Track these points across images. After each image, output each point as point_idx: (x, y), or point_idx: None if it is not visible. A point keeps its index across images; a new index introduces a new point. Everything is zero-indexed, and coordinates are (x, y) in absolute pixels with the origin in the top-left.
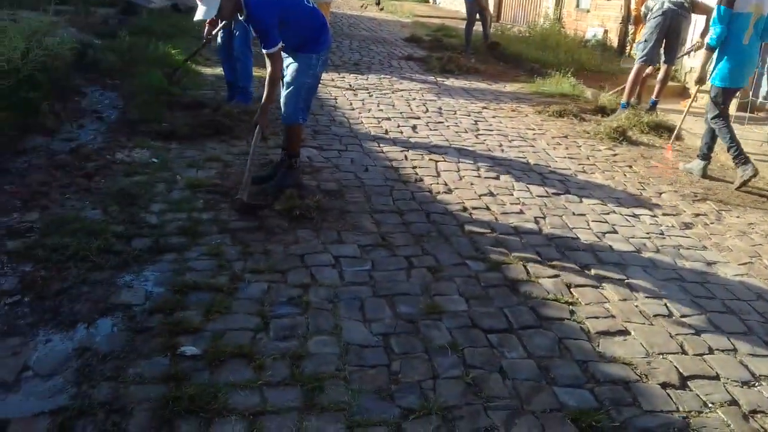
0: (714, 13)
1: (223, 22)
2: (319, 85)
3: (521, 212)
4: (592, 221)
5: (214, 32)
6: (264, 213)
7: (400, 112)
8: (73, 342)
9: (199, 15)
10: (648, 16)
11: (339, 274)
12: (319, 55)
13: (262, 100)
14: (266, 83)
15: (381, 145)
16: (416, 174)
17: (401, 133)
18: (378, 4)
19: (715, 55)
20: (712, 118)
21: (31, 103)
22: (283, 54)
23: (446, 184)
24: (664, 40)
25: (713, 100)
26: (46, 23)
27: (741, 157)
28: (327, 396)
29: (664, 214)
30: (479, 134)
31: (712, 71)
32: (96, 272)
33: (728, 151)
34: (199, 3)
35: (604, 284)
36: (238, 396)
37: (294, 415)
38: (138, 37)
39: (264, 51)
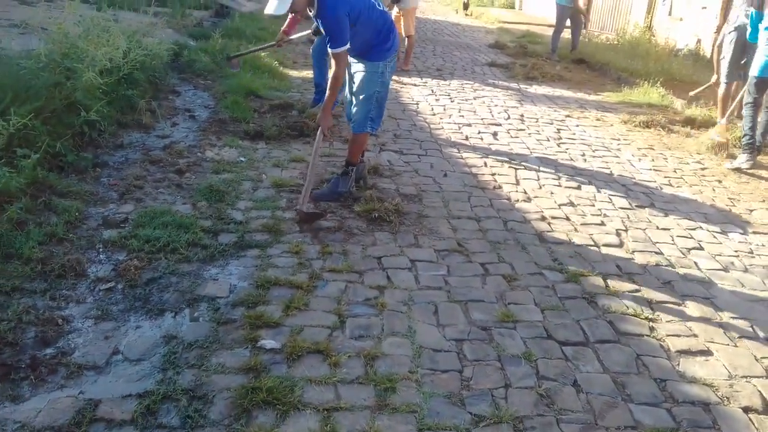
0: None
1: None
2: (402, 89)
3: (602, 224)
4: (677, 236)
5: (291, 38)
6: (343, 214)
7: (481, 119)
8: (161, 329)
9: (269, 9)
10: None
11: (415, 277)
12: (386, 63)
13: (324, 101)
14: (329, 84)
15: (461, 150)
16: (495, 181)
17: (481, 139)
18: (466, 8)
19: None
20: (746, 104)
21: (129, 101)
22: (352, 60)
23: (525, 192)
24: (743, 56)
25: (749, 89)
26: (145, 24)
27: (749, 147)
28: (399, 397)
29: (754, 232)
30: (561, 143)
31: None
32: (184, 264)
33: (742, 136)
34: None
35: (686, 302)
36: (314, 391)
37: (366, 413)
38: (230, 39)
39: (330, 50)
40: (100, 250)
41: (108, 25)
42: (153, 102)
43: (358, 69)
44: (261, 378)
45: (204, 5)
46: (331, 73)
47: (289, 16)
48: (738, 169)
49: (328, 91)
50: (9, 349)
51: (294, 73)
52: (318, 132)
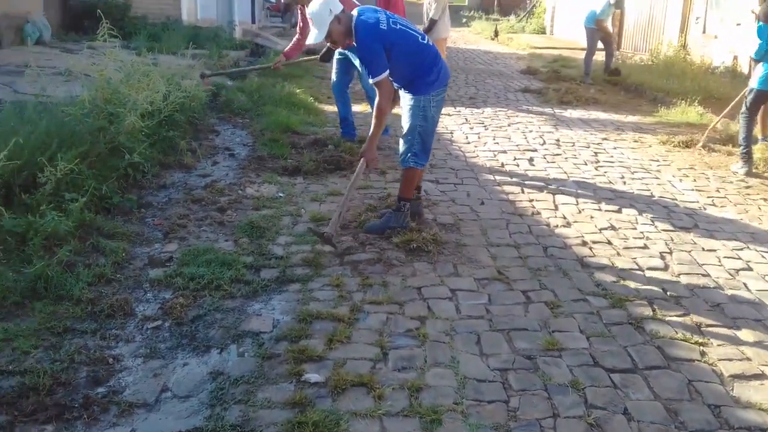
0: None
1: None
2: None
3: (645, 247)
4: (724, 257)
5: (291, 61)
6: (382, 246)
7: (517, 145)
8: (207, 366)
9: (310, 39)
10: None
11: (456, 307)
12: (428, 96)
13: (370, 133)
14: (373, 115)
15: (497, 178)
16: (533, 207)
17: (517, 165)
18: (496, 35)
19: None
20: (742, 113)
21: (171, 142)
22: (402, 92)
23: (564, 218)
24: None
25: (748, 100)
26: (184, 67)
27: (746, 156)
28: (445, 429)
29: None
30: (599, 166)
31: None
32: (228, 300)
33: (739, 146)
34: (311, 25)
35: (738, 324)
36: (359, 424)
37: None
38: (266, 78)
39: (370, 80)
40: (147, 289)
41: (148, 69)
42: (193, 142)
43: (404, 101)
44: (306, 412)
45: (240, 45)
46: (375, 103)
47: (294, 38)
48: (735, 173)
49: (373, 121)
50: (62, 389)
51: (329, 108)
52: (360, 163)
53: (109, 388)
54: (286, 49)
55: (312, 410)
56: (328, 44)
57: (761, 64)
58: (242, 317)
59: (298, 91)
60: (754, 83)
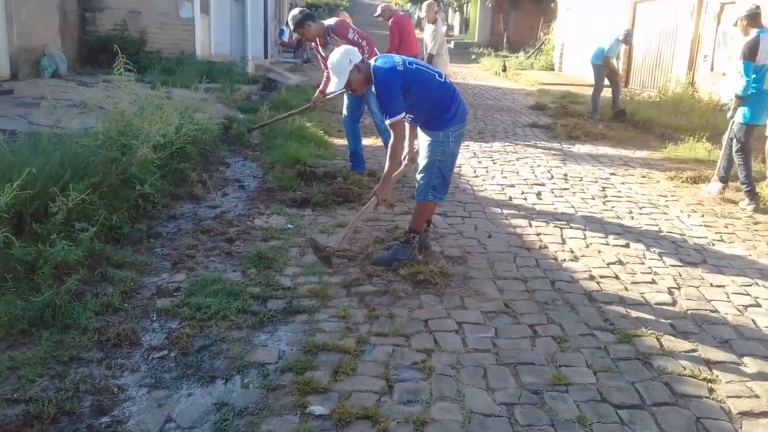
0: (741, 68)
1: (338, 91)
2: None
3: (653, 282)
4: (732, 293)
5: (320, 101)
6: (389, 278)
7: (524, 179)
8: (212, 396)
9: (331, 87)
10: None
11: (462, 340)
12: (446, 132)
13: (384, 172)
14: (387, 155)
15: (504, 211)
16: (541, 241)
17: (525, 199)
18: (504, 71)
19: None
20: (736, 152)
21: (182, 173)
22: (419, 129)
23: (572, 252)
24: None
25: (737, 137)
26: (196, 100)
27: (751, 193)
28: None
29: None
30: (607, 201)
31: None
32: (235, 331)
33: (742, 184)
34: (332, 75)
35: (746, 361)
36: None
37: None
38: (277, 111)
39: (387, 121)
40: (154, 318)
41: (161, 102)
42: (204, 174)
43: (423, 137)
44: None
45: (252, 80)
46: (390, 144)
47: (325, 74)
48: (744, 210)
49: (387, 162)
50: (66, 418)
51: (338, 141)
52: (372, 199)
53: (113, 417)
54: (321, 87)
55: None
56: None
57: (744, 102)
58: (248, 348)
59: (308, 124)
60: (739, 119)
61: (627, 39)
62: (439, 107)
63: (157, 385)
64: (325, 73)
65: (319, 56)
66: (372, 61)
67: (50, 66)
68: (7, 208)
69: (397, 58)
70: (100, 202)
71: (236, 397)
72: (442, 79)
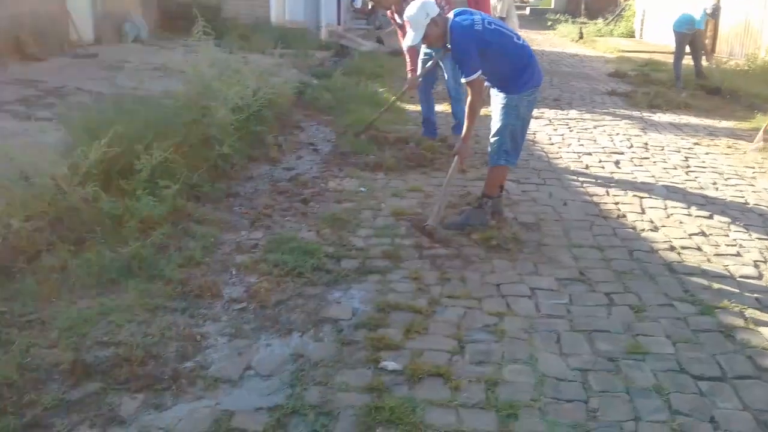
0: None
1: (428, 67)
2: None
3: (738, 254)
4: None
5: (419, 78)
6: (461, 242)
7: (602, 147)
8: (289, 348)
9: (407, 41)
10: None
11: (535, 305)
12: (521, 96)
13: (463, 131)
14: (466, 114)
15: (581, 179)
16: (619, 210)
17: (603, 168)
18: (581, 38)
19: None
20: None
21: (258, 136)
22: (494, 91)
23: (652, 222)
24: None
25: None
26: (272, 65)
27: None
28: (522, 424)
29: None
30: (690, 171)
31: None
32: (310, 287)
33: None
34: (408, 28)
35: None
36: (435, 413)
37: None
38: (350, 77)
39: (463, 79)
40: (234, 273)
41: (239, 66)
42: (279, 137)
43: (496, 100)
44: (383, 398)
45: (325, 46)
46: (468, 103)
47: (408, 55)
48: None
49: (466, 121)
50: (153, 362)
51: (411, 106)
52: (454, 161)
53: (196, 363)
54: (410, 66)
55: (389, 396)
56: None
57: None
58: (323, 304)
59: (381, 90)
60: None
61: (715, 13)
62: (515, 70)
63: (237, 334)
64: (408, 57)
65: (394, 24)
66: (450, 16)
67: (132, 31)
68: (96, 164)
69: (477, 16)
70: (182, 161)
71: (312, 350)
72: (520, 42)
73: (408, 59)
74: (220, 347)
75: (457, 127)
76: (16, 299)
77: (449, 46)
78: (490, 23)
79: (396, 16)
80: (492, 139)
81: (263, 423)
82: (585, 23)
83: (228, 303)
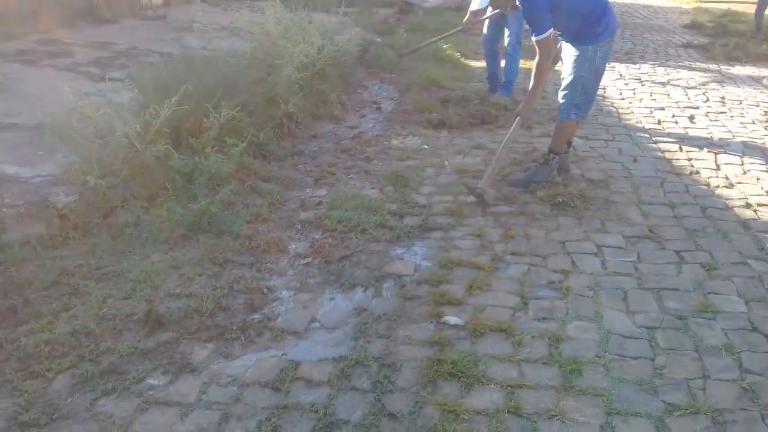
0: None
1: (491, 13)
2: None
3: None
4: None
5: (473, 23)
6: (526, 199)
7: (676, 102)
8: (352, 302)
9: (475, 4)
10: None
11: (601, 263)
12: (596, 47)
13: (529, 91)
14: (533, 74)
15: (652, 135)
16: (692, 166)
17: (676, 123)
18: None
19: None
20: None
21: (322, 94)
22: (564, 44)
23: (727, 178)
24: None
25: None
26: (336, 23)
27: None
28: (585, 380)
29: None
30: None
31: None
32: (373, 243)
33: None
34: None
35: None
36: (497, 367)
37: (551, 393)
38: (414, 34)
39: (533, 38)
40: (299, 229)
41: (304, 24)
42: (343, 95)
43: (568, 52)
44: (445, 351)
45: (389, 3)
46: (535, 62)
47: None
48: None
49: (532, 80)
50: (222, 313)
51: (475, 63)
52: (516, 120)
53: (263, 315)
54: (472, 7)
55: (451, 350)
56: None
57: None
58: (386, 260)
59: (445, 46)
60: None
61: None
62: (589, 20)
63: (302, 288)
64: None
65: None
66: None
67: None
68: (167, 123)
69: None
70: (248, 120)
71: (375, 304)
72: None
73: (473, 3)
74: (286, 300)
75: (506, 86)
76: (92, 253)
77: (518, 4)
78: None
79: None
80: (562, 93)
81: (328, 373)
82: None
83: (293, 258)
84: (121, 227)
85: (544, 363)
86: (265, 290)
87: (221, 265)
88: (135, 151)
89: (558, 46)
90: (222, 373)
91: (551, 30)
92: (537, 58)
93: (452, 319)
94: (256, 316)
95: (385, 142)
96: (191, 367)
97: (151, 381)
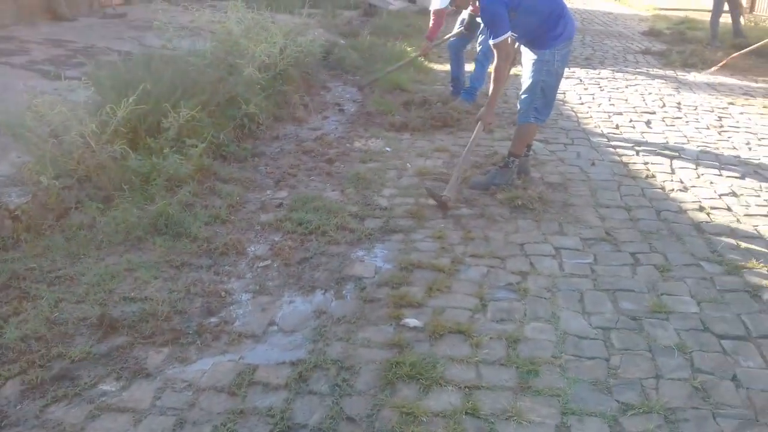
0: None
1: (455, 32)
2: None
3: None
4: None
5: (428, 49)
6: (486, 202)
7: (633, 107)
8: (312, 305)
9: (436, 4)
10: None
11: (559, 264)
12: (554, 50)
13: (489, 96)
14: (492, 78)
15: (610, 140)
16: (648, 170)
17: (633, 128)
18: None
19: None
20: None
21: (284, 96)
22: (523, 49)
23: (682, 182)
24: None
25: None
26: (299, 24)
27: None
28: (542, 380)
29: None
30: (723, 131)
31: None
32: (333, 246)
33: None
34: None
35: None
36: (455, 369)
37: (508, 394)
38: (377, 36)
39: (491, 41)
40: (258, 231)
41: (266, 23)
42: (306, 97)
43: (527, 56)
44: (404, 353)
45: (353, 5)
46: (493, 66)
47: (432, 18)
48: None
49: (492, 85)
50: (178, 317)
51: (438, 66)
52: (477, 125)
53: (220, 318)
54: (427, 32)
55: (410, 352)
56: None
57: None
58: (346, 262)
59: (408, 49)
60: None
61: None
62: (547, 23)
63: (260, 291)
64: (431, 20)
65: None
66: None
67: None
68: (124, 123)
69: None
70: (208, 120)
71: (334, 307)
72: None
73: (431, 22)
74: (244, 303)
75: (469, 92)
76: (45, 255)
77: (478, 6)
78: None
79: None
80: (522, 96)
81: (285, 377)
82: None
83: (252, 260)
84: (75, 229)
85: (501, 364)
86: (223, 293)
87: (178, 268)
88: (91, 151)
89: (516, 46)
90: (177, 378)
91: (509, 33)
92: (495, 61)
93: (412, 322)
94: (213, 319)
95: (348, 144)
96: (145, 372)
97: (104, 387)
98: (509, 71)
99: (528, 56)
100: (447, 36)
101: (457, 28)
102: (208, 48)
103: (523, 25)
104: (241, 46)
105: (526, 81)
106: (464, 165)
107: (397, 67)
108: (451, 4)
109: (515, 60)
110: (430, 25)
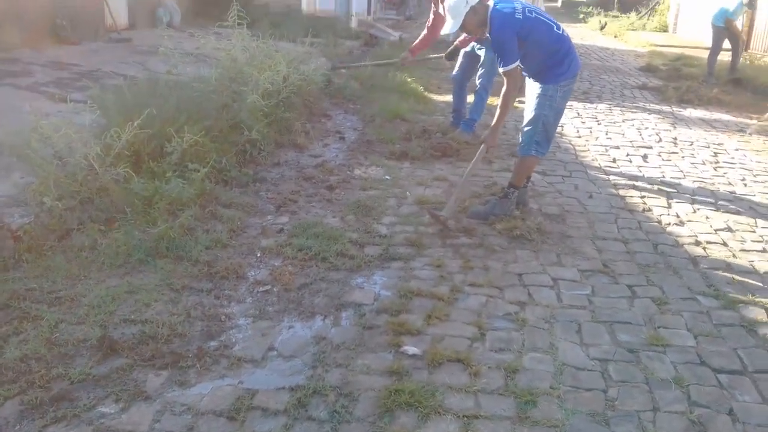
0: None
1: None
2: None
3: (764, 251)
4: None
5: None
6: (485, 231)
7: (630, 141)
8: (311, 330)
9: (446, 29)
10: None
11: (557, 295)
12: (556, 86)
13: (494, 120)
14: (499, 103)
15: (607, 173)
16: (644, 204)
17: (630, 162)
18: (602, 29)
19: None
20: None
21: (286, 123)
22: (529, 81)
23: (678, 216)
24: None
25: None
26: (302, 53)
27: None
28: (540, 411)
29: None
30: (719, 167)
31: None
32: (333, 272)
33: None
34: (447, 16)
35: None
36: (454, 398)
37: (507, 424)
38: (379, 67)
39: (501, 69)
40: (259, 256)
41: (270, 51)
42: (307, 124)
43: (531, 89)
44: (403, 381)
45: (355, 35)
46: (503, 92)
47: (423, 35)
48: None
49: (498, 110)
50: (178, 340)
51: (438, 97)
52: (480, 148)
53: (220, 342)
54: (413, 45)
55: (409, 380)
56: (463, 34)
57: None
58: (345, 289)
59: (408, 80)
60: None
61: (752, 3)
62: (553, 59)
63: (260, 316)
64: (422, 33)
65: (434, 11)
66: (489, 4)
67: (165, 16)
68: (128, 146)
69: (517, 4)
70: (212, 145)
71: (334, 333)
72: (560, 31)
73: (420, 38)
74: (244, 328)
75: (468, 123)
76: (46, 276)
77: (488, 35)
78: (530, 11)
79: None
80: (524, 129)
81: (284, 402)
82: (617, 16)
83: (253, 285)
84: (77, 250)
85: (500, 394)
86: (223, 317)
87: (178, 291)
88: (94, 174)
89: (522, 81)
90: (176, 401)
91: (518, 61)
92: (505, 88)
93: (410, 349)
94: (212, 343)
95: (348, 172)
96: (145, 395)
97: (103, 409)
98: (515, 99)
99: (532, 89)
100: (431, 56)
101: (459, 60)
102: (212, 74)
103: (531, 57)
104: (245, 74)
105: (528, 114)
106: (463, 189)
107: (377, 64)
108: (461, 29)
109: (521, 89)
110: (418, 40)
